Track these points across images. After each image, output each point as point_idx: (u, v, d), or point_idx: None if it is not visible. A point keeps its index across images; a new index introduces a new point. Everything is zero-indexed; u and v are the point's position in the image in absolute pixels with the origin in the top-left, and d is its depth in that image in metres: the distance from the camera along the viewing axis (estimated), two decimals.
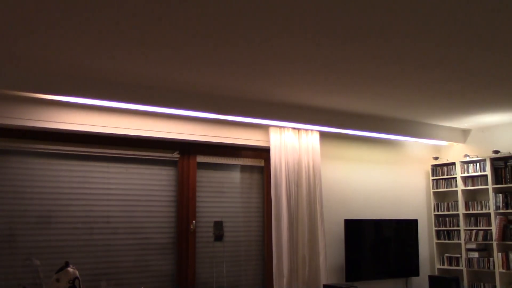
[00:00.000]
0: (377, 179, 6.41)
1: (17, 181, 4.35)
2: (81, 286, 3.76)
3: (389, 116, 5.83)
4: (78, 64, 3.83)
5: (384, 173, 6.49)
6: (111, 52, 3.57)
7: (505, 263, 5.86)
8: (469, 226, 6.31)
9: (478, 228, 6.21)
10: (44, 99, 4.22)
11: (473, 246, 6.22)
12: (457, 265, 6.39)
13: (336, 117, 5.59)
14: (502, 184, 6.00)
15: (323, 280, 5.33)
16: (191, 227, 5.01)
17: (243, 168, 5.54)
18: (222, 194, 5.35)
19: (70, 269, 3.73)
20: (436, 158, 6.77)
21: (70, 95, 4.13)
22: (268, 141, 5.38)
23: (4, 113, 4.14)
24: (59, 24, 3.06)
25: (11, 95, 4.07)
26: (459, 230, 6.37)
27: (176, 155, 5.09)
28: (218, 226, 5.06)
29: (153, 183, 4.97)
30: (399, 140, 6.60)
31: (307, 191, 5.45)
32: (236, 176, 5.49)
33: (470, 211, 6.32)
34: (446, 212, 6.58)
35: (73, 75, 4.10)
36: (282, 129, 5.42)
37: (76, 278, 3.74)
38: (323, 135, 5.79)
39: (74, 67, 3.90)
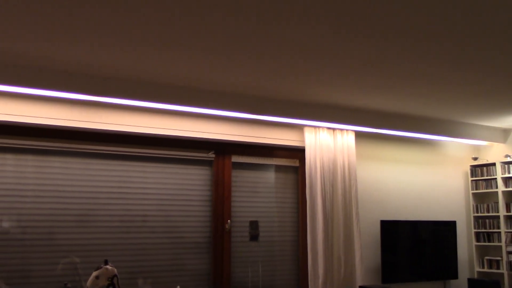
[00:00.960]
0: (414, 179, 6.30)
1: (57, 181, 4.46)
2: (119, 283, 3.82)
3: (426, 115, 5.72)
4: (115, 65, 3.89)
5: (421, 173, 6.37)
6: (146, 53, 3.62)
7: None
8: (510, 228, 6.14)
9: None
10: (83, 100, 4.32)
11: None
12: (498, 268, 6.22)
13: (372, 117, 5.52)
14: None
15: (359, 281, 5.28)
16: (226, 226, 5.03)
17: (278, 168, 5.53)
18: (256, 194, 5.35)
19: (109, 267, 3.79)
20: (475, 159, 6.61)
21: (108, 95, 4.21)
22: (303, 141, 5.36)
23: (44, 114, 4.24)
24: (97, 26, 3.12)
25: (51, 96, 4.18)
26: (500, 232, 6.21)
27: (211, 155, 5.12)
28: (254, 225, 5.07)
29: (189, 182, 5.01)
30: (437, 140, 6.48)
31: (343, 191, 5.40)
32: (270, 176, 5.48)
33: (511, 213, 6.15)
34: (486, 214, 6.41)
35: (111, 76, 4.18)
36: (317, 129, 5.39)
37: (115, 275, 3.79)
38: (358, 135, 5.73)
39: (112, 68, 3.97)
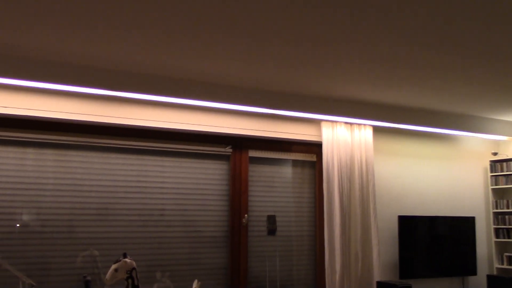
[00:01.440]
0: (432, 175, 6.25)
1: (76, 174, 4.51)
2: (137, 276, 3.86)
3: (445, 110, 5.66)
4: (134, 59, 3.92)
5: (440, 169, 6.32)
6: (164, 48, 3.63)
7: None
8: None
9: None
10: (101, 94, 4.35)
11: None
12: None
13: (390, 112, 5.48)
14: None
15: (376, 277, 5.25)
16: (243, 221, 5.04)
17: (295, 163, 5.52)
18: (274, 188, 5.35)
19: (127, 260, 3.83)
20: (495, 154, 6.53)
21: (126, 90, 4.24)
22: (320, 135, 5.34)
23: (64, 108, 4.29)
24: (114, 20, 3.14)
25: (70, 91, 4.22)
26: None
27: (228, 150, 5.13)
28: (271, 220, 5.07)
29: (206, 177, 5.03)
30: (455, 135, 6.41)
31: (360, 186, 5.37)
32: (288, 170, 5.48)
33: None
34: (505, 210, 6.34)
35: (129, 70, 4.21)
36: (335, 123, 5.37)
37: (133, 268, 3.83)
38: (376, 129, 5.69)
39: (130, 62, 3.99)
